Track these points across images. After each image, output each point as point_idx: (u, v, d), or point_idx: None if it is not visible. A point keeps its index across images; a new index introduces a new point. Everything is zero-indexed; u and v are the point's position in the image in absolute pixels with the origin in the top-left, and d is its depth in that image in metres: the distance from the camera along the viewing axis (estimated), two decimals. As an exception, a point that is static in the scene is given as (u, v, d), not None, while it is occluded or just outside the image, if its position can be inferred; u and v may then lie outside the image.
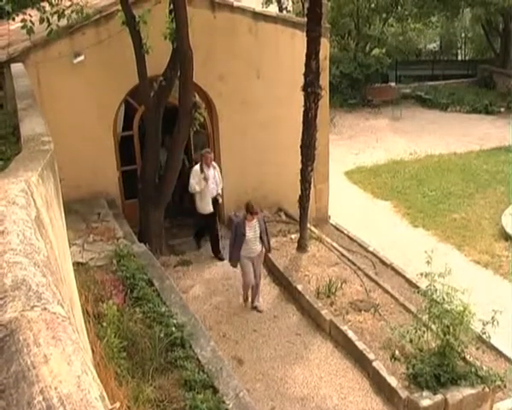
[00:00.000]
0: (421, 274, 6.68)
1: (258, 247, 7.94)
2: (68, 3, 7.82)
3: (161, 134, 9.33)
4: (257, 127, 10.51)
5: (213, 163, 9.57)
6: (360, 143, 18.34)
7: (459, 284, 6.56)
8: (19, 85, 6.20)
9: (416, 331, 6.58)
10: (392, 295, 8.20)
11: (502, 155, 16.60)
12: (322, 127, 10.12)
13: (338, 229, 11.25)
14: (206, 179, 9.27)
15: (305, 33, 8.89)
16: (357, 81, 22.83)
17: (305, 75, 8.78)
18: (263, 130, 10.53)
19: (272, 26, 10.39)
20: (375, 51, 24.61)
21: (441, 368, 6.22)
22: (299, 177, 9.36)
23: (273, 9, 21.67)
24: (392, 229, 12.02)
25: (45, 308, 1.31)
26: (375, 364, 6.65)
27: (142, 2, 8.96)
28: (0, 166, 3.89)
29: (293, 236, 9.94)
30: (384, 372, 6.50)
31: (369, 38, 24.46)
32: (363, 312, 7.78)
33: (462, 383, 6.23)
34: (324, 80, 9.81)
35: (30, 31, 7.14)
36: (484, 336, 6.47)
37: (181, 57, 8.39)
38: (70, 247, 4.23)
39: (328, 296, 8.13)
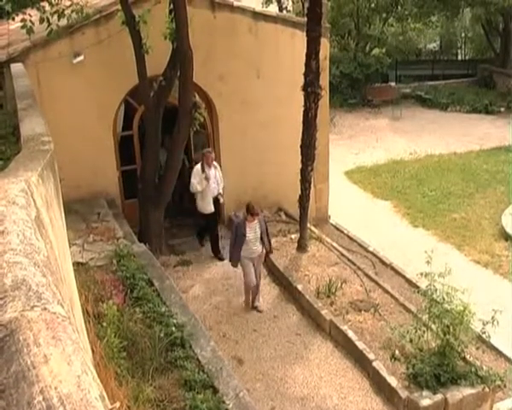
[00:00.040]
0: (421, 274, 6.67)
1: (258, 247, 7.94)
2: (68, 3, 7.81)
3: (161, 134, 9.33)
4: (257, 127, 10.51)
5: (214, 163, 9.57)
6: (360, 143, 18.34)
7: (459, 283, 6.56)
8: (19, 85, 6.20)
9: (415, 331, 6.58)
10: (392, 295, 8.20)
11: (502, 155, 16.60)
12: (322, 127, 10.12)
13: (338, 229, 11.25)
14: (207, 179, 9.27)
15: (305, 33, 8.89)
16: (357, 81, 22.82)
17: (305, 75, 8.78)
18: (263, 130, 10.53)
19: (272, 26, 10.39)
20: (375, 51, 24.60)
21: (441, 368, 6.22)
22: (299, 177, 9.36)
23: (273, 9, 21.66)
24: (392, 229, 12.02)
25: (45, 308, 1.31)
26: (375, 364, 6.65)
27: (142, 2, 8.96)
28: (0, 166, 3.89)
29: (293, 236, 9.94)
30: (384, 372, 6.50)
31: (369, 37, 24.45)
32: (363, 312, 7.78)
33: (462, 383, 6.23)
34: (324, 80, 9.81)
35: (30, 31, 7.14)
36: (484, 336, 6.48)
37: (181, 57, 8.39)
38: (70, 247, 4.23)
39: (328, 296, 8.13)
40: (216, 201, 9.59)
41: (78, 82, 9.04)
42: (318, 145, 9.51)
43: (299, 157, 9.25)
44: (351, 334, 7.21)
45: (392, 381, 6.35)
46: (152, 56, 8.44)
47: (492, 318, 6.12)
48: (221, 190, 9.66)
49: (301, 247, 9.52)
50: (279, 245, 9.60)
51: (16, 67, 7.68)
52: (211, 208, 9.48)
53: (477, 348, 6.59)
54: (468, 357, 6.54)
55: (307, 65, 8.73)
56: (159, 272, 6.85)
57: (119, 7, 8.45)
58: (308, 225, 9.75)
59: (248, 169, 10.63)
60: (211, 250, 9.82)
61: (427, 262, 6.39)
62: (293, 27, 10.47)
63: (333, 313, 7.75)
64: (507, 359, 7.22)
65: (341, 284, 8.36)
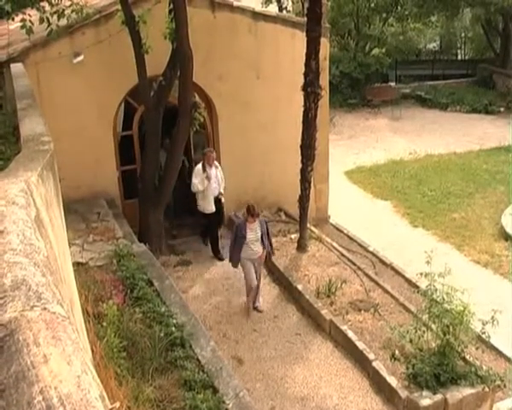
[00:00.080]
0: (421, 274, 6.67)
1: (259, 249, 7.92)
2: (68, 3, 7.81)
3: (161, 135, 9.33)
4: (257, 127, 10.51)
5: (215, 162, 9.57)
6: (360, 143, 18.34)
7: (459, 283, 6.55)
8: (18, 85, 6.20)
9: (415, 331, 6.58)
10: (391, 295, 8.20)
11: (501, 155, 16.60)
12: (322, 127, 10.12)
13: (338, 229, 11.25)
14: (208, 179, 9.27)
15: (304, 33, 8.89)
16: (357, 81, 22.82)
17: (305, 75, 8.78)
18: (263, 130, 10.53)
19: (272, 26, 10.39)
20: (375, 51, 24.59)
21: (441, 368, 6.22)
22: (299, 177, 9.36)
23: (273, 9, 21.66)
24: (391, 229, 12.02)
25: (45, 308, 1.31)
26: (374, 364, 6.65)
27: (141, 1, 8.96)
28: (0, 166, 3.89)
29: (293, 236, 9.95)
30: (384, 372, 6.50)
31: (368, 37, 24.45)
32: (362, 312, 7.78)
33: (462, 383, 6.23)
34: (324, 80, 9.81)
35: (29, 31, 7.14)
36: (484, 336, 6.47)
37: (181, 57, 8.39)
38: (70, 247, 4.23)
39: (328, 296, 8.13)
40: (218, 200, 9.59)
41: (78, 82, 9.03)
42: (318, 145, 9.50)
43: (299, 157, 9.25)
44: (351, 334, 7.21)
45: (392, 381, 6.35)
46: (152, 56, 8.44)
47: (492, 318, 6.11)
48: (222, 190, 9.66)
49: (301, 247, 9.52)
50: (279, 245, 9.59)
51: (16, 67, 7.68)
52: (212, 208, 9.48)
53: (477, 348, 6.59)
54: (467, 357, 6.54)
55: (307, 65, 8.73)
56: (159, 272, 6.85)
57: (119, 7, 8.45)
58: (308, 225, 9.75)
59: (248, 169, 10.62)
60: (211, 250, 9.82)
61: (427, 262, 6.39)
62: (293, 27, 10.47)
63: (333, 313, 7.75)
64: (507, 359, 7.22)
65: (341, 284, 8.36)
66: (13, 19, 7.64)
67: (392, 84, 24.01)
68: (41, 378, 1.09)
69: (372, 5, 23.85)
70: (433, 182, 14.60)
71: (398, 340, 6.86)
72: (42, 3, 7.67)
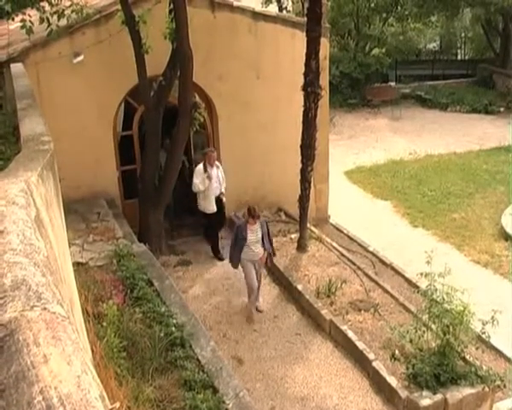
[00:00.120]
0: (421, 274, 6.67)
1: (259, 250, 7.89)
2: (68, 3, 7.81)
3: (161, 136, 9.32)
4: (257, 127, 10.51)
5: (216, 162, 9.57)
6: (360, 143, 18.34)
7: (459, 283, 6.55)
8: (18, 85, 6.20)
9: (415, 331, 6.58)
10: (391, 295, 8.20)
11: (501, 155, 16.61)
12: (322, 127, 10.12)
13: (338, 229, 11.25)
14: (209, 178, 9.26)
15: (304, 33, 8.89)
16: (357, 81, 22.82)
17: (305, 75, 8.77)
18: (263, 130, 10.53)
19: (272, 26, 10.39)
20: (375, 51, 24.60)
21: (441, 368, 6.22)
22: (299, 177, 9.36)
23: (273, 9, 21.66)
24: (391, 229, 12.02)
25: (45, 308, 1.31)
26: (374, 364, 6.65)
27: (141, 1, 8.96)
28: (0, 166, 3.89)
29: (293, 236, 9.94)
30: (384, 372, 6.49)
31: (368, 37, 24.46)
32: (362, 312, 7.78)
33: (462, 383, 6.23)
34: (324, 80, 9.81)
35: (29, 31, 7.14)
36: (484, 336, 6.47)
37: (181, 57, 8.39)
38: (70, 247, 4.23)
39: (328, 296, 8.13)
40: (219, 200, 9.58)
41: (78, 82, 9.04)
42: (318, 145, 9.50)
43: (299, 157, 9.25)
44: (351, 334, 7.20)
45: (392, 381, 6.35)
46: (152, 56, 8.44)
47: (492, 318, 6.11)
48: (223, 190, 9.65)
49: (301, 247, 9.52)
50: (279, 245, 9.59)
51: (16, 67, 7.68)
52: (213, 208, 9.46)
53: (477, 348, 6.59)
54: (467, 357, 6.54)
55: (307, 65, 8.73)
56: (159, 272, 6.85)
57: (119, 7, 8.45)
58: (308, 225, 9.75)
59: (248, 169, 10.62)
60: (211, 250, 9.82)
61: (427, 262, 6.39)
62: (292, 27, 10.47)
63: (333, 312, 7.75)
64: (507, 359, 7.22)
65: (341, 284, 8.36)
66: (13, 19, 7.64)
67: (392, 84, 24.01)
68: (41, 378, 1.09)
69: (372, 5, 23.86)
70: (433, 182, 14.60)
71: (398, 340, 6.86)
72: (42, 3, 7.68)
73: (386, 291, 8.30)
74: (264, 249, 7.94)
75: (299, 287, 8.39)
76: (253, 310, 8.08)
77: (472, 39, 30.08)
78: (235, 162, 10.44)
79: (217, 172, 9.48)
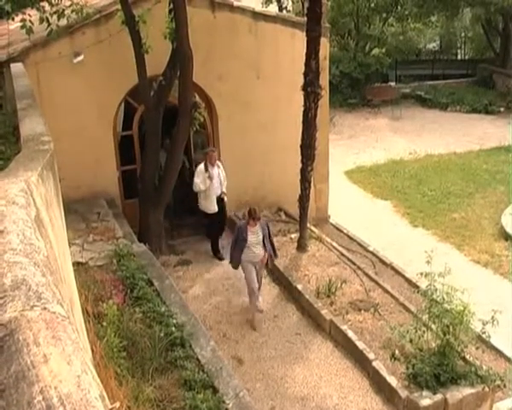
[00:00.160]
0: (421, 274, 6.67)
1: (260, 252, 7.85)
2: (68, 3, 7.82)
3: (161, 136, 9.32)
4: (257, 127, 10.51)
5: (218, 162, 9.56)
6: (360, 143, 18.34)
7: (459, 283, 6.55)
8: (18, 85, 6.20)
9: (415, 331, 6.58)
10: (391, 295, 8.20)
11: (501, 155, 16.61)
12: (322, 127, 10.12)
13: (338, 228, 11.25)
14: (210, 178, 9.25)
15: (304, 33, 8.89)
16: (357, 81, 22.82)
17: (305, 75, 8.77)
18: (263, 129, 10.53)
19: (272, 26, 10.39)
20: (375, 51, 24.60)
21: (441, 368, 6.22)
22: (299, 177, 9.36)
23: (273, 9, 21.67)
24: (391, 228, 12.02)
25: (45, 308, 1.31)
26: (374, 363, 6.65)
27: (141, 1, 8.96)
28: (0, 166, 3.89)
29: (293, 235, 9.94)
30: (384, 372, 6.49)
31: (368, 37, 24.46)
32: (362, 311, 7.77)
33: (462, 383, 6.23)
34: (324, 80, 9.81)
35: (29, 31, 7.14)
36: (484, 336, 6.47)
37: (181, 57, 8.39)
38: (70, 247, 4.23)
39: (328, 296, 8.13)
40: (220, 200, 9.57)
41: (78, 82, 9.04)
42: (318, 145, 9.50)
43: (299, 157, 9.25)
44: (351, 334, 7.20)
45: (392, 381, 6.35)
46: (152, 56, 8.44)
47: (492, 318, 6.11)
48: (224, 190, 9.65)
49: (301, 247, 9.52)
50: (279, 245, 9.57)
51: (16, 67, 7.68)
52: (214, 208, 9.45)
53: (477, 348, 6.59)
54: (467, 357, 6.54)
55: (307, 65, 8.73)
56: (159, 272, 6.85)
57: (119, 7, 8.45)
58: (308, 224, 9.75)
59: (248, 169, 10.62)
60: (210, 250, 9.82)
61: (427, 262, 6.39)
62: (292, 27, 10.47)
63: (333, 312, 7.74)
64: (507, 359, 7.22)
65: (341, 284, 8.36)
66: (13, 19, 7.64)
67: (392, 84, 24.01)
68: (41, 378, 1.09)
69: (372, 5, 23.86)
70: (433, 182, 14.60)
71: (398, 340, 6.85)
72: (42, 3, 7.67)
73: (387, 291, 8.30)
74: (265, 251, 7.91)
75: (299, 287, 8.38)
76: (254, 314, 8.03)
77: (472, 39, 30.09)
78: (235, 162, 10.44)
79: (218, 171, 9.48)
